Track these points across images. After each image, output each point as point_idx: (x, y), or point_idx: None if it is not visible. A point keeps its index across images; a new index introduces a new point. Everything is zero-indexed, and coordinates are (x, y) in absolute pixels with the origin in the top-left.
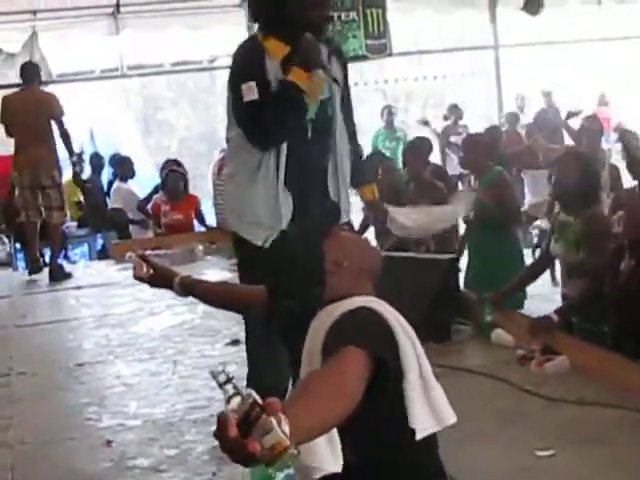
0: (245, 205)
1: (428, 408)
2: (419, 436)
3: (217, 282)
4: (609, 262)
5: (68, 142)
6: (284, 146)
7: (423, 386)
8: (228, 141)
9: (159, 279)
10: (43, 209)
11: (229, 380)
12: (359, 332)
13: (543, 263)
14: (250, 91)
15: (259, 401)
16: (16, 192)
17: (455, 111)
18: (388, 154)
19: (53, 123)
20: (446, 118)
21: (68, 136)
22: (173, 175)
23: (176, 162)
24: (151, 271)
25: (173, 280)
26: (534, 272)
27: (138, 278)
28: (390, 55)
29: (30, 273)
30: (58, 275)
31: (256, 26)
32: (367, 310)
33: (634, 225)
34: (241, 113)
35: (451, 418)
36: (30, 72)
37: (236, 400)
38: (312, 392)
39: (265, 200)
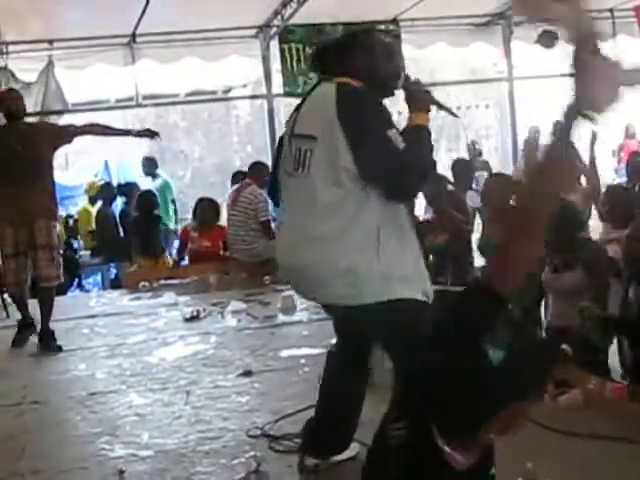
0: (396, 260)
1: None
2: None
3: None
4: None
5: None
6: None
7: None
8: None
9: None
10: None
11: None
12: None
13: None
14: (397, 139)
15: None
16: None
17: (473, 147)
18: None
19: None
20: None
21: None
22: (203, 204)
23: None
24: None
25: None
26: None
27: None
28: None
29: (14, 344)
30: (48, 343)
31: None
32: None
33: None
34: (389, 162)
35: None
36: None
37: None
38: None
39: (413, 256)
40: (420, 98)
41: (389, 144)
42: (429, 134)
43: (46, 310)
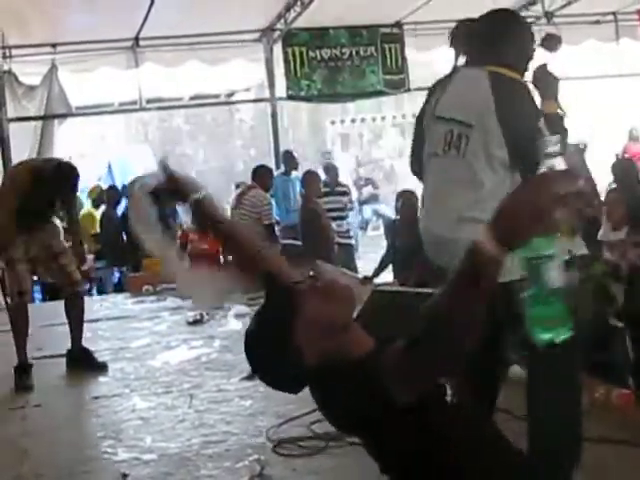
0: None
1: None
2: None
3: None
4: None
5: None
6: None
7: None
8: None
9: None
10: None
11: None
12: None
13: None
14: (545, 129)
15: None
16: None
17: None
18: None
19: None
20: None
21: None
22: None
23: None
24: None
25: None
26: None
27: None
28: (408, 90)
29: (18, 387)
30: (91, 363)
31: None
32: None
33: None
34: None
35: None
36: None
37: None
38: None
39: None
40: (551, 84)
41: (541, 135)
42: (561, 119)
43: (79, 322)
